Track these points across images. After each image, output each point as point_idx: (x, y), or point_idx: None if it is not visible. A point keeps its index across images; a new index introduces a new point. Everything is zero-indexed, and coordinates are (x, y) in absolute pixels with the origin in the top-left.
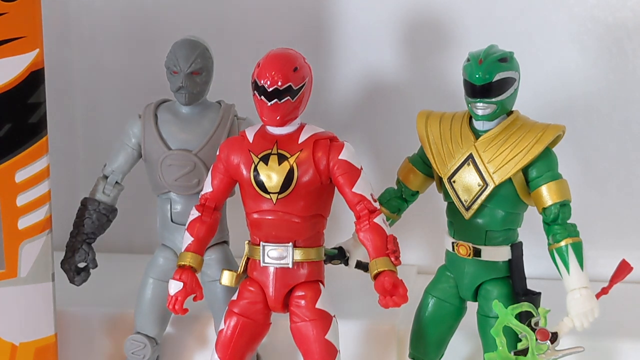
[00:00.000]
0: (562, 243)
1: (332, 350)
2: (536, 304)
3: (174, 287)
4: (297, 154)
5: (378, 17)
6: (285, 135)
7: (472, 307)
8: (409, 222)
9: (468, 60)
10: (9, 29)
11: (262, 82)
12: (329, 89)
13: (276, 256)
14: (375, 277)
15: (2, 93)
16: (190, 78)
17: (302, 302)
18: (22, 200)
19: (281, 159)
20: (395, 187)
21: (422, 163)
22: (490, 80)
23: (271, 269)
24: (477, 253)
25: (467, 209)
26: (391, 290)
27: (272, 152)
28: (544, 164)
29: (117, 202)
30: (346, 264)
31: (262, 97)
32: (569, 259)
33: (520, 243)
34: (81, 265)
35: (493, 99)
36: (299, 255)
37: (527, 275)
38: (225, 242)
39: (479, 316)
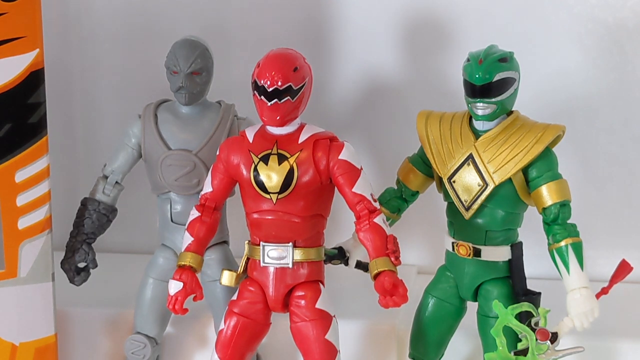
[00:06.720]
0: (562, 243)
1: (332, 350)
2: (536, 304)
3: (174, 287)
4: (297, 154)
5: (378, 17)
6: (285, 135)
7: (472, 307)
8: (409, 222)
9: (468, 60)
10: (9, 29)
11: (262, 82)
12: (329, 89)
13: (276, 256)
14: (375, 277)
15: (2, 93)
16: (190, 78)
17: (302, 302)
18: (22, 200)
19: (281, 159)
20: (395, 187)
21: (422, 163)
22: (490, 80)
23: (271, 269)
24: (477, 253)
25: (467, 209)
26: (391, 290)
27: (272, 152)
28: (544, 164)
29: (117, 202)
30: (346, 264)
31: (262, 97)
32: (569, 259)
33: (520, 243)
34: (81, 265)
35: (493, 99)
36: (298, 255)
37: (527, 275)
38: (225, 242)
39: (479, 316)
